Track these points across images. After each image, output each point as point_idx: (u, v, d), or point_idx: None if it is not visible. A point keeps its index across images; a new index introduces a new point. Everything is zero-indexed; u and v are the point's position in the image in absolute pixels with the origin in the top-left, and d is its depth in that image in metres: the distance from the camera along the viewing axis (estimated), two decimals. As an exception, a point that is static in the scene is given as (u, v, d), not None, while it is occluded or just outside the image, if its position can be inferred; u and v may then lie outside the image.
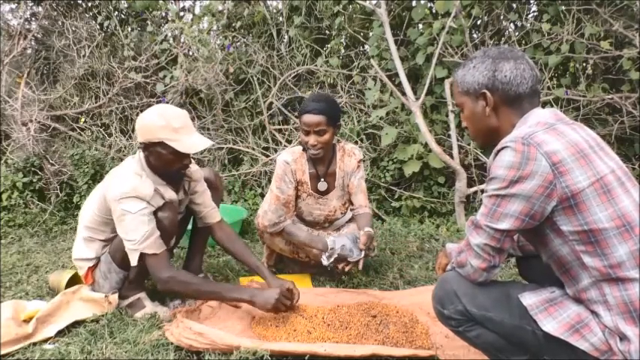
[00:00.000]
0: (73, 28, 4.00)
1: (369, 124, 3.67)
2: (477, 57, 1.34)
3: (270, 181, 3.64)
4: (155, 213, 1.89)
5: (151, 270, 1.84)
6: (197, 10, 4.22)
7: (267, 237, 2.41)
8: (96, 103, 4.05)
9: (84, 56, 3.98)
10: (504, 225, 1.22)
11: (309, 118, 2.22)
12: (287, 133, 3.93)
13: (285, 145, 3.80)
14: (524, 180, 1.17)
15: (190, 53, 4.00)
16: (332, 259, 2.22)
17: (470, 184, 3.44)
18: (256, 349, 1.60)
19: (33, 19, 4.22)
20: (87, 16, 4.18)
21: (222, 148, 3.98)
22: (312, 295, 2.15)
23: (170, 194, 1.98)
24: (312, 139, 2.25)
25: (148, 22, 4.07)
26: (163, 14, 4.22)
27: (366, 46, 3.99)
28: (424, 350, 1.67)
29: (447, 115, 3.49)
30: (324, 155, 2.34)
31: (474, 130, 1.40)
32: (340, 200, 2.49)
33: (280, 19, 3.99)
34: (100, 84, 4.03)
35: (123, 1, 4.17)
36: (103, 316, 1.94)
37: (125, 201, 1.82)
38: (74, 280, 2.21)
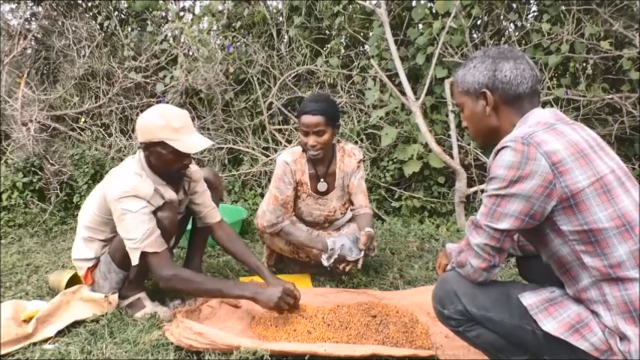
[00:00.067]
0: (73, 28, 4.00)
1: (369, 124, 3.67)
2: (477, 57, 1.34)
3: (270, 181, 3.64)
4: (155, 213, 1.89)
5: (153, 268, 1.84)
6: (197, 10, 4.23)
7: (267, 237, 2.41)
8: (96, 103, 4.05)
9: (84, 56, 3.98)
10: (504, 225, 1.22)
11: (307, 118, 2.22)
12: (287, 133, 3.93)
13: (285, 145, 3.80)
14: (524, 180, 1.17)
15: (190, 53, 4.00)
16: (332, 260, 2.22)
17: (470, 184, 3.44)
18: (256, 349, 1.60)
19: (33, 19, 4.22)
20: (87, 16, 4.18)
21: (222, 148, 3.98)
22: (312, 295, 2.15)
23: (170, 194, 1.98)
24: (311, 140, 2.25)
25: (148, 22, 4.07)
26: (163, 14, 4.22)
27: (366, 46, 4.00)
28: (424, 350, 1.67)
29: (447, 115, 3.49)
30: (323, 156, 2.33)
31: (474, 129, 1.40)
32: (340, 200, 2.49)
33: (280, 19, 3.99)
34: (100, 84, 4.03)
35: (123, 1, 4.17)
36: (103, 316, 1.94)
37: (125, 200, 1.82)
38: (74, 280, 2.21)
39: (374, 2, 3.59)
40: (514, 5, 3.58)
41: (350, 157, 2.44)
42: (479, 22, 3.76)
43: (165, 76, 3.92)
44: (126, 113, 4.08)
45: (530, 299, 1.25)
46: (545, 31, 3.25)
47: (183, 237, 2.46)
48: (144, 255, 1.82)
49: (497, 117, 1.33)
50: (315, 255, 2.35)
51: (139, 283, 2.06)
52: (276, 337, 1.78)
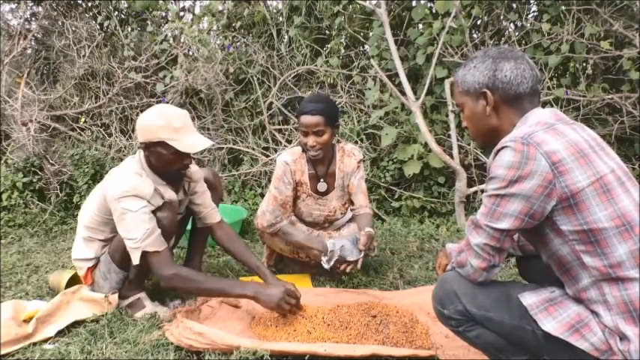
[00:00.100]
0: (73, 28, 4.01)
1: (369, 124, 3.67)
2: (477, 57, 1.35)
3: (270, 181, 3.64)
4: (154, 213, 1.89)
5: (153, 268, 1.84)
6: (197, 10, 4.23)
7: (267, 237, 2.41)
8: (96, 103, 4.05)
9: (84, 56, 3.98)
10: (504, 224, 1.22)
11: (307, 119, 2.22)
12: (287, 133, 3.93)
13: (285, 145, 3.80)
14: (523, 179, 1.17)
15: (190, 53, 4.00)
16: (332, 262, 2.22)
17: (470, 184, 3.44)
18: (256, 349, 1.60)
19: (33, 19, 4.22)
20: (87, 16, 4.18)
21: (222, 148, 3.98)
22: (312, 295, 2.15)
23: (170, 194, 1.98)
24: (310, 140, 2.25)
25: (148, 22, 4.07)
26: (163, 14, 4.22)
27: (366, 46, 4.00)
28: (424, 350, 1.67)
29: (447, 115, 3.49)
30: (323, 156, 2.33)
31: (475, 129, 1.40)
32: (340, 201, 2.49)
33: (280, 19, 3.99)
34: (100, 84, 4.03)
35: (123, 1, 4.17)
36: (103, 316, 1.94)
37: (125, 200, 1.82)
38: (74, 280, 2.21)
39: (374, 2, 3.59)
40: (514, 5, 3.58)
41: (350, 157, 2.44)
42: (479, 22, 3.76)
43: (165, 76, 3.92)
44: (126, 113, 4.08)
45: (530, 299, 1.25)
46: (545, 31, 3.25)
47: (183, 237, 2.46)
48: (144, 254, 1.82)
49: (498, 117, 1.33)
50: (315, 255, 2.35)
51: (138, 283, 2.06)
52: (276, 337, 1.78)
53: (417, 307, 2.01)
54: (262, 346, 1.62)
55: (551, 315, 1.21)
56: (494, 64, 1.30)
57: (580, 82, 3.35)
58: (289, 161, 2.36)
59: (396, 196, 3.67)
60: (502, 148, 1.22)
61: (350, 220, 2.59)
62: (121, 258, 1.96)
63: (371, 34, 3.71)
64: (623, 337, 1.12)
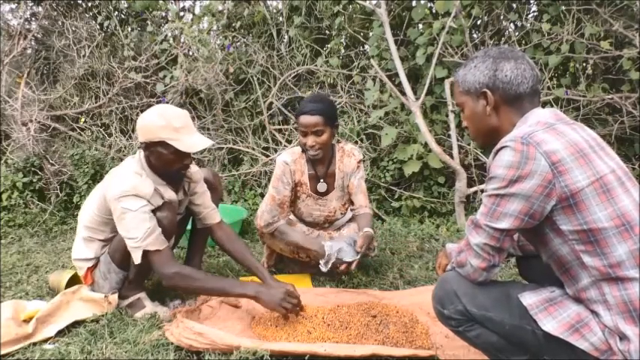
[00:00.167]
0: (73, 28, 4.01)
1: (369, 124, 3.67)
2: (477, 57, 1.35)
3: (270, 181, 3.65)
4: (154, 212, 1.89)
5: (155, 266, 1.84)
6: (197, 10, 4.23)
7: (267, 237, 2.41)
8: (96, 103, 4.06)
9: (84, 56, 3.98)
10: (504, 224, 1.22)
11: (306, 119, 2.22)
12: (287, 133, 3.93)
13: (285, 145, 3.80)
14: (523, 179, 1.17)
15: (190, 53, 4.00)
16: (329, 265, 2.22)
17: (470, 184, 3.44)
18: (256, 349, 1.60)
19: (33, 19, 4.22)
20: (87, 16, 4.18)
21: (222, 148, 3.98)
22: (312, 295, 2.15)
23: (170, 194, 1.98)
24: (310, 140, 2.25)
25: (148, 22, 4.07)
26: (163, 14, 4.22)
27: (366, 46, 4.00)
28: (424, 350, 1.67)
29: (447, 115, 3.49)
30: (323, 156, 2.34)
31: (475, 129, 1.40)
32: (340, 201, 2.49)
33: (280, 19, 3.99)
34: (100, 84, 4.04)
35: (123, 1, 4.17)
36: (103, 316, 1.94)
37: (125, 199, 1.82)
38: (74, 280, 2.21)
39: (374, 2, 3.59)
40: (514, 5, 3.59)
41: (350, 158, 2.44)
42: (479, 22, 3.76)
43: (165, 76, 3.92)
44: (126, 113, 4.08)
45: (530, 299, 1.25)
46: (545, 31, 3.25)
47: (183, 237, 2.46)
48: (145, 254, 1.81)
49: (498, 117, 1.33)
50: (314, 255, 2.36)
51: (138, 283, 2.06)
52: (276, 337, 1.78)
53: (417, 307, 2.01)
54: (262, 346, 1.62)
55: (551, 315, 1.21)
56: (494, 64, 1.30)
57: (580, 82, 3.35)
58: (289, 161, 2.36)
59: (396, 196, 3.67)
60: (502, 147, 1.22)
61: (350, 220, 2.59)
62: (121, 258, 1.96)
63: (371, 34, 3.71)
64: (622, 337, 1.12)
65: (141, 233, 1.80)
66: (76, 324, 1.91)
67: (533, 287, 1.31)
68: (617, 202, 1.15)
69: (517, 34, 3.52)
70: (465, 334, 1.37)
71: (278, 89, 3.93)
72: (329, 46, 3.87)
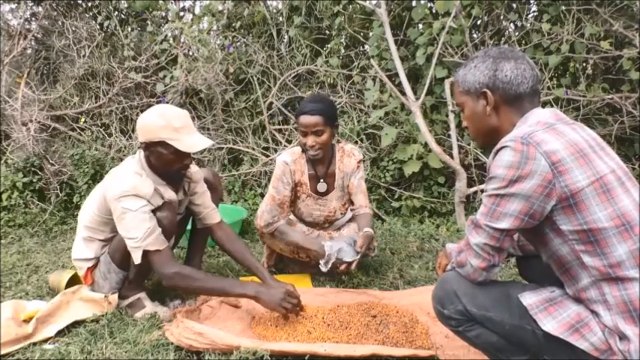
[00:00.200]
0: (73, 28, 4.01)
1: (369, 124, 3.67)
2: (477, 57, 1.35)
3: (270, 181, 3.65)
4: (154, 212, 1.89)
5: (155, 266, 1.84)
6: (197, 10, 4.23)
7: (267, 237, 2.41)
8: (96, 103, 4.06)
9: (84, 56, 3.98)
10: (504, 224, 1.22)
11: (306, 119, 2.22)
12: (287, 133, 3.93)
13: (285, 145, 3.80)
14: (523, 179, 1.17)
15: (190, 53, 4.00)
16: (329, 265, 2.22)
17: (470, 184, 3.44)
18: (256, 349, 1.60)
19: (33, 19, 4.22)
20: (87, 16, 4.18)
21: (222, 148, 3.98)
22: (312, 295, 2.15)
23: (170, 194, 1.98)
24: (310, 140, 2.25)
25: (148, 22, 4.07)
26: (163, 14, 4.22)
27: (366, 46, 4.00)
28: (424, 350, 1.67)
29: (447, 115, 3.49)
30: (323, 156, 2.34)
31: (475, 129, 1.40)
32: (340, 201, 2.49)
33: (280, 19, 3.99)
34: (100, 84, 4.04)
35: (123, 1, 4.17)
36: (103, 316, 1.94)
37: (125, 199, 1.82)
38: (74, 280, 2.21)
39: (374, 2, 3.59)
40: (514, 5, 3.59)
41: (349, 158, 2.44)
42: (479, 22, 3.76)
43: (165, 76, 3.92)
44: (126, 113, 4.08)
45: (530, 299, 1.25)
46: (545, 31, 3.25)
47: (183, 237, 2.46)
48: (145, 254, 1.81)
49: (498, 117, 1.33)
50: (314, 255, 2.36)
51: (138, 283, 2.06)
52: (276, 337, 1.78)
53: (417, 307, 2.01)
54: (262, 346, 1.62)
55: (551, 315, 1.21)
56: (494, 63, 1.30)
57: (580, 82, 3.35)
58: (289, 161, 2.36)
59: (396, 196, 3.67)
60: (502, 147, 1.22)
61: (350, 220, 2.59)
62: (121, 258, 1.96)
63: (371, 34, 3.71)
64: (622, 337, 1.12)
65: (141, 233, 1.80)
66: (76, 324, 1.91)
67: (533, 287, 1.31)
68: (617, 202, 1.15)
69: (517, 34, 3.52)
70: (464, 334, 1.37)
71: (278, 89, 3.93)
72: (329, 46, 3.87)
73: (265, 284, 1.95)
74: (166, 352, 1.68)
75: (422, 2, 3.69)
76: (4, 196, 3.62)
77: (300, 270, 2.52)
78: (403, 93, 3.41)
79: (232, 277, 2.45)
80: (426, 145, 3.41)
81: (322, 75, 3.85)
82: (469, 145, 3.50)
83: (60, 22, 4.08)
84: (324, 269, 2.23)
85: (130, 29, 4.14)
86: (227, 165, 4.02)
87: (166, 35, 4.08)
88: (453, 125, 3.37)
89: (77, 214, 2.23)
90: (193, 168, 2.15)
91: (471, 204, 3.57)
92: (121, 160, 3.53)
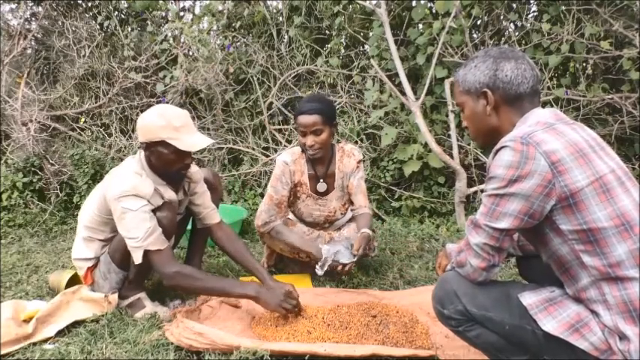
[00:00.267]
0: (73, 28, 4.01)
1: (369, 124, 3.67)
2: (478, 56, 1.35)
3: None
4: (154, 212, 1.89)
5: (156, 266, 1.84)
6: (197, 10, 4.23)
7: (267, 237, 2.41)
8: (96, 103, 4.06)
9: (84, 56, 3.98)
10: (503, 224, 1.22)
11: (304, 119, 2.22)
12: (287, 133, 3.93)
13: (285, 145, 3.80)
14: (523, 179, 1.17)
15: (190, 53, 4.00)
16: (325, 268, 2.22)
17: (470, 184, 3.44)
18: (256, 349, 1.60)
19: (33, 19, 4.22)
20: (87, 16, 4.18)
21: (222, 148, 3.98)
22: (312, 295, 2.15)
23: (170, 194, 1.98)
24: (309, 140, 2.25)
25: (148, 22, 4.07)
26: (163, 14, 4.22)
27: (366, 46, 4.00)
28: (424, 350, 1.67)
29: (447, 115, 3.49)
30: (323, 156, 2.34)
31: (475, 129, 1.40)
32: (340, 201, 2.49)
33: (280, 19, 3.99)
34: (100, 84, 4.04)
35: (123, 1, 4.18)
36: (103, 316, 1.94)
37: (125, 199, 1.82)
38: (74, 280, 2.21)
39: (374, 2, 3.59)
40: (514, 5, 3.59)
41: (349, 158, 2.44)
42: (479, 22, 3.76)
43: (165, 76, 3.92)
44: (126, 113, 4.08)
45: (530, 299, 1.25)
46: (545, 31, 3.25)
47: (183, 237, 2.46)
48: (146, 253, 1.81)
49: (498, 117, 1.33)
50: (315, 255, 2.36)
51: (138, 283, 2.06)
52: (276, 337, 1.78)
53: (417, 307, 2.01)
54: (262, 346, 1.62)
55: (551, 315, 1.21)
56: (495, 63, 1.30)
57: (580, 82, 3.35)
58: (289, 161, 2.36)
59: (396, 196, 3.67)
60: (501, 147, 1.22)
61: (350, 220, 2.59)
62: (121, 258, 1.96)
63: (371, 34, 3.71)
64: (622, 337, 1.12)
65: (142, 233, 1.80)
66: (76, 324, 1.91)
67: (533, 287, 1.31)
68: (616, 202, 1.15)
69: (517, 34, 3.52)
70: (464, 334, 1.37)
71: (278, 89, 3.93)
72: (329, 46, 3.87)
73: (265, 285, 1.95)
74: (166, 352, 1.68)
75: (422, 2, 3.69)
76: (4, 196, 3.62)
77: (300, 270, 2.52)
78: (403, 93, 3.41)
79: (232, 277, 2.45)
80: (426, 145, 3.41)
81: (322, 75, 3.85)
82: (469, 145, 3.50)
83: (60, 22, 4.08)
84: (319, 272, 2.23)
85: (130, 29, 4.14)
86: (227, 165, 4.02)
87: (166, 35, 4.08)
88: (453, 125, 3.37)
89: (77, 214, 2.23)
90: (193, 168, 2.14)
91: (471, 204, 3.57)
92: (121, 160, 3.53)
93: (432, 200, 3.57)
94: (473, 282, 1.33)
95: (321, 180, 2.43)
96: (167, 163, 1.90)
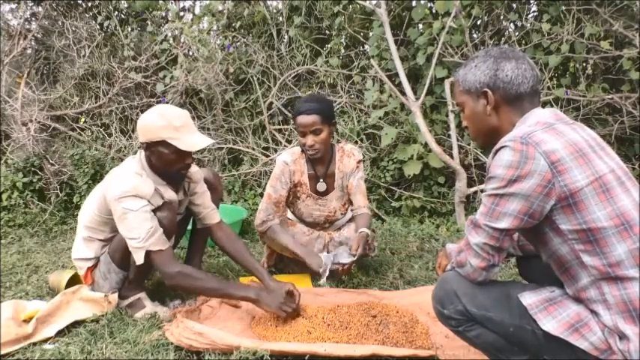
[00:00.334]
0: (73, 28, 4.01)
1: (369, 124, 3.67)
2: (478, 56, 1.35)
3: (270, 181, 3.65)
4: (154, 213, 1.89)
5: (157, 266, 1.84)
6: (197, 10, 4.23)
7: (266, 237, 2.41)
8: (96, 103, 4.06)
9: (84, 56, 3.98)
10: (503, 224, 1.22)
11: (303, 119, 2.23)
12: (287, 133, 3.93)
13: (285, 145, 3.80)
14: (522, 179, 1.17)
15: (190, 53, 4.00)
16: (327, 274, 2.22)
17: (470, 184, 3.44)
18: (256, 349, 1.60)
19: (33, 19, 4.22)
20: (87, 16, 4.18)
21: (222, 148, 3.98)
22: (312, 295, 2.15)
23: (170, 194, 1.98)
24: (309, 140, 2.25)
25: (148, 22, 4.07)
26: (163, 14, 4.22)
27: (366, 46, 4.00)
28: (424, 350, 1.67)
29: (447, 115, 3.49)
30: (323, 156, 2.34)
31: (475, 129, 1.40)
32: (340, 201, 2.49)
33: (280, 19, 3.99)
34: (100, 84, 4.04)
35: (123, 1, 4.18)
36: (103, 316, 1.94)
37: (126, 200, 1.82)
38: (74, 280, 2.21)
39: (374, 2, 3.59)
40: (514, 5, 3.59)
41: (349, 158, 2.44)
42: (479, 22, 3.76)
43: (165, 76, 3.92)
44: (126, 113, 4.08)
45: (529, 299, 1.25)
46: (545, 31, 3.25)
47: (183, 237, 2.46)
48: (147, 254, 1.81)
49: (498, 117, 1.33)
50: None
51: (138, 283, 2.06)
52: (276, 337, 1.78)
53: (417, 307, 2.01)
54: (262, 346, 1.62)
55: (551, 314, 1.21)
56: (495, 63, 1.30)
57: (580, 82, 3.35)
58: (289, 161, 2.36)
59: (396, 196, 3.67)
60: (501, 147, 1.22)
61: (350, 220, 2.59)
62: (121, 258, 1.96)
63: (371, 34, 3.71)
64: (622, 337, 1.12)
65: (143, 233, 1.80)
66: (76, 324, 1.91)
67: (533, 287, 1.31)
68: (616, 202, 1.15)
69: (517, 34, 3.52)
70: (464, 334, 1.37)
71: (278, 89, 3.93)
72: (329, 46, 3.87)
73: (265, 285, 1.95)
74: (166, 352, 1.68)
75: (422, 2, 3.69)
76: (4, 196, 3.62)
77: (300, 270, 2.52)
78: (403, 93, 3.41)
79: (232, 278, 2.45)
80: (426, 145, 3.41)
81: (322, 75, 3.85)
82: (469, 145, 3.50)
83: (60, 22, 4.08)
84: (322, 280, 2.23)
85: (130, 29, 4.14)
86: (227, 165, 4.02)
87: (166, 35, 4.08)
88: (453, 125, 3.37)
89: (77, 214, 2.23)
90: (193, 168, 2.15)
91: (471, 204, 3.57)
92: (121, 160, 3.53)
93: (432, 200, 3.57)
94: (473, 282, 1.33)
95: (321, 180, 2.43)
96: (167, 163, 1.90)
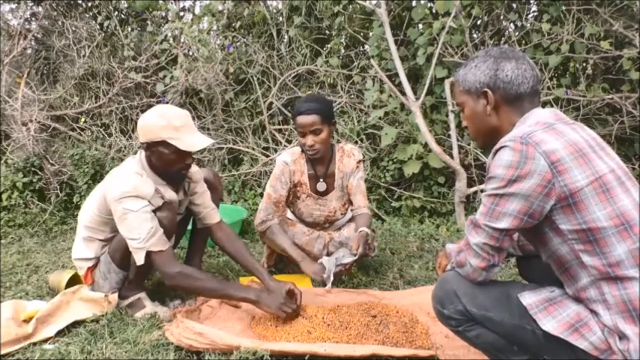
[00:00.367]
0: (73, 28, 4.01)
1: (369, 124, 3.67)
2: (478, 56, 1.35)
3: (270, 181, 3.65)
4: (154, 213, 1.89)
5: (158, 267, 1.84)
6: (197, 10, 4.23)
7: (266, 237, 2.41)
8: (96, 103, 4.06)
9: (84, 56, 3.98)
10: (503, 224, 1.22)
11: (302, 119, 2.23)
12: (287, 133, 3.93)
13: (285, 145, 3.80)
14: (522, 179, 1.17)
15: (190, 53, 4.00)
16: (332, 278, 2.21)
17: (470, 184, 3.44)
18: (256, 349, 1.60)
19: (33, 19, 4.22)
20: (87, 16, 4.18)
21: (222, 148, 3.98)
22: (312, 295, 2.15)
23: (170, 194, 1.98)
24: (309, 140, 2.25)
25: (148, 22, 4.07)
26: (163, 14, 4.22)
27: (366, 46, 4.00)
28: (424, 350, 1.67)
29: (447, 115, 3.49)
30: (323, 155, 2.34)
31: (475, 129, 1.40)
32: (340, 201, 2.49)
33: (280, 19, 3.99)
34: (100, 84, 4.04)
35: (123, 1, 4.18)
36: (103, 316, 1.94)
37: (126, 200, 1.82)
38: (74, 280, 2.21)
39: (374, 2, 3.60)
40: (514, 5, 3.59)
41: (349, 158, 2.44)
42: (479, 22, 3.76)
43: (165, 76, 3.92)
44: (126, 113, 4.08)
45: (529, 299, 1.25)
46: (545, 31, 3.25)
47: (183, 237, 2.46)
48: (148, 254, 1.81)
49: (498, 117, 1.33)
50: (315, 256, 2.36)
51: (138, 283, 2.06)
52: (276, 337, 1.78)
53: (417, 307, 2.01)
54: (262, 346, 1.62)
55: (551, 314, 1.21)
56: (495, 63, 1.30)
57: (580, 82, 3.35)
58: (289, 161, 2.36)
59: (396, 196, 3.67)
60: (501, 147, 1.22)
61: (350, 220, 2.59)
62: (121, 258, 1.96)
63: (371, 34, 3.71)
64: (622, 337, 1.12)
65: (144, 234, 1.80)
66: (76, 324, 1.91)
67: (533, 287, 1.31)
68: (616, 202, 1.15)
69: (517, 34, 3.52)
70: (464, 334, 1.37)
71: (278, 89, 3.93)
72: (329, 46, 3.87)
73: (265, 285, 1.95)
74: (166, 352, 1.68)
75: (422, 2, 3.69)
76: (4, 196, 3.62)
77: (300, 270, 2.52)
78: (403, 93, 3.41)
79: (232, 278, 2.45)
80: (426, 145, 3.41)
81: (322, 75, 3.85)
82: (469, 145, 3.50)
83: (60, 22, 4.08)
84: (328, 286, 2.22)
85: (130, 29, 4.14)
86: (227, 165, 4.02)
87: (166, 35, 4.08)
88: (453, 125, 3.37)
89: (77, 214, 2.23)
90: (193, 168, 2.15)
91: (471, 204, 3.57)
92: (121, 160, 3.53)
93: (432, 200, 3.57)
94: (473, 282, 1.33)
95: (321, 180, 2.43)
96: (168, 163, 1.90)
